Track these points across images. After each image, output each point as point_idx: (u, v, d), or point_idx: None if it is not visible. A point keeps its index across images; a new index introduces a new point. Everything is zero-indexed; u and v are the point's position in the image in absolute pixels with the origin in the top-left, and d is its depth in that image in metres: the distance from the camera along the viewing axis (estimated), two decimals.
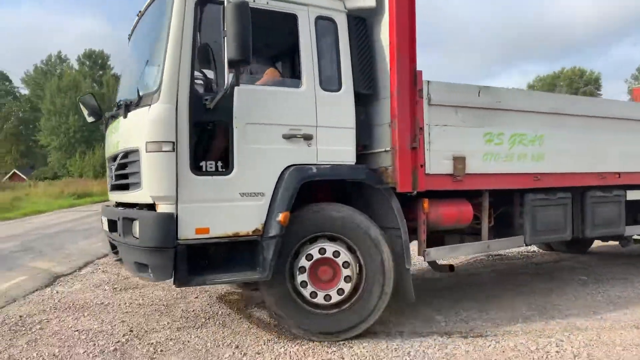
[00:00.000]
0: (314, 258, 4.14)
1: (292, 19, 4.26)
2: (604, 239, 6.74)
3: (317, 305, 4.17)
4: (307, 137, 4.19)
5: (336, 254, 4.17)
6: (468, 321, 4.78)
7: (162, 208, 3.77)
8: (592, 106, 5.88)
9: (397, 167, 4.35)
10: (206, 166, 3.87)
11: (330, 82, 4.37)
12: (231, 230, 3.90)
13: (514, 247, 6.29)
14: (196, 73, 4.02)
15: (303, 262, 4.12)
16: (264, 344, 4.20)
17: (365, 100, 4.55)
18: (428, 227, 4.70)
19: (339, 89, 4.38)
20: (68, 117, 47.68)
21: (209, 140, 4.00)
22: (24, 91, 62.61)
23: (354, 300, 4.22)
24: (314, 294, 4.14)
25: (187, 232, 3.76)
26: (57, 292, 6.26)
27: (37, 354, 4.12)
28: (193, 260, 3.82)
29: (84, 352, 4.16)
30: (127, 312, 5.31)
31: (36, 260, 8.47)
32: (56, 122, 48.28)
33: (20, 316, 5.17)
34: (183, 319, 4.99)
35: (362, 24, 4.57)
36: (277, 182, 4.03)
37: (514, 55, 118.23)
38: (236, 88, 3.88)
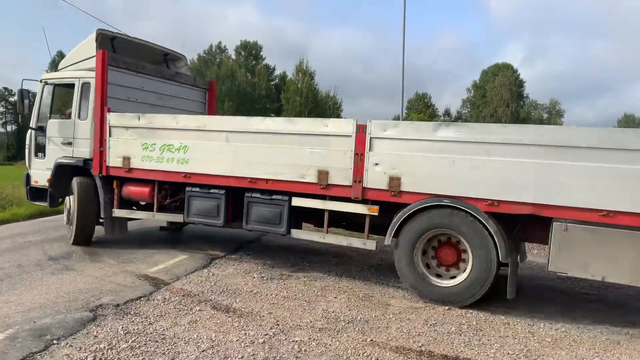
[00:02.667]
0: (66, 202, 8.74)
1: (72, 85, 8.54)
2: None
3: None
4: (69, 144, 8.46)
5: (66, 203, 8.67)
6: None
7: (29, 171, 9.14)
8: (236, 122, 7.06)
9: (93, 161, 8.08)
10: (38, 155, 8.91)
11: (83, 116, 8.36)
12: (42, 184, 8.74)
13: (176, 220, 7.85)
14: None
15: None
16: None
17: None
18: (126, 198, 8.11)
19: (85, 119, 8.30)
20: (223, 103, 51.92)
21: (40, 144, 8.90)
22: None
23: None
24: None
25: (31, 182, 9.03)
26: (212, 274, 6.88)
27: (197, 336, 4.59)
28: (39, 195, 8.99)
29: (237, 340, 4.52)
30: (273, 303, 5.66)
31: (194, 241, 9.40)
32: None
33: (183, 296, 5.80)
34: (324, 319, 5.17)
35: None
36: None
37: None
38: (48, 121, 8.74)
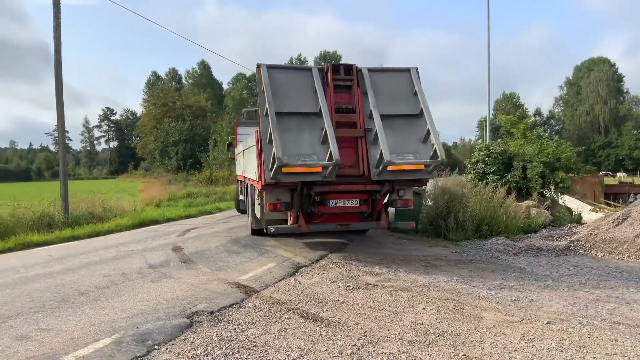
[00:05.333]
0: None
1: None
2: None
3: None
4: None
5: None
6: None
7: None
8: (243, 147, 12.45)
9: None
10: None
11: None
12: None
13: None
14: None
15: None
16: None
17: None
18: (241, 190, 15.06)
19: None
20: None
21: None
22: None
23: None
24: None
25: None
26: (299, 282, 6.98)
27: (286, 344, 4.66)
28: None
29: (325, 349, 4.53)
30: (360, 313, 5.62)
31: (280, 249, 9.61)
32: None
33: (272, 303, 5.92)
34: (413, 331, 5.05)
35: None
36: None
37: None
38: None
